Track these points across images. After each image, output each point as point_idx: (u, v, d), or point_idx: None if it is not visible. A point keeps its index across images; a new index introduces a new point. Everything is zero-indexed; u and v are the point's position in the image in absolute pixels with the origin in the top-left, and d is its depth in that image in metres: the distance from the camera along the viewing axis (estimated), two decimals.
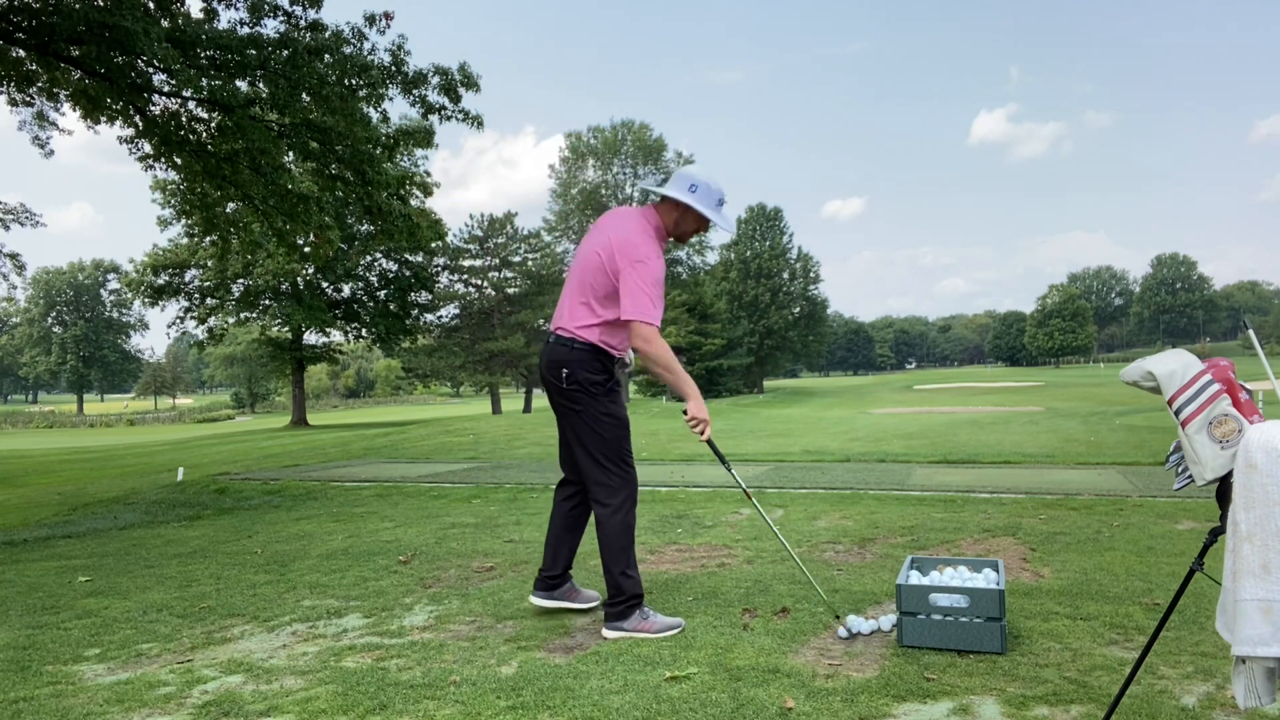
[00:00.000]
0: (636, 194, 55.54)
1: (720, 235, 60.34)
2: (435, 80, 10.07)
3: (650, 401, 43.74)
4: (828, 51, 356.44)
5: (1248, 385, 1.96)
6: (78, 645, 3.40)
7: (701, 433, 3.31)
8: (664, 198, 3.38)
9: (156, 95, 9.46)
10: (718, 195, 3.37)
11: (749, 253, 66.04)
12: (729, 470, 3.57)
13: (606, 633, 3.29)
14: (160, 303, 33.17)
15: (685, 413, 3.31)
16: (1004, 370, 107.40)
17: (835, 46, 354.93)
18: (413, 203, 14.74)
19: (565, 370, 3.31)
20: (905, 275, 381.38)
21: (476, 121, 10.50)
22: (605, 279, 3.25)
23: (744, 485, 3.64)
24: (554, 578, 3.63)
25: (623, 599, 3.30)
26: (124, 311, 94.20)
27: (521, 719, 2.50)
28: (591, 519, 3.55)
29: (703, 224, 3.38)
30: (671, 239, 3.44)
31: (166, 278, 32.94)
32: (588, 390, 3.31)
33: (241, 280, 33.36)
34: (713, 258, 61.27)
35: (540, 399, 50.75)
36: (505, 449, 13.40)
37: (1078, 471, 7.79)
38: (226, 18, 9.50)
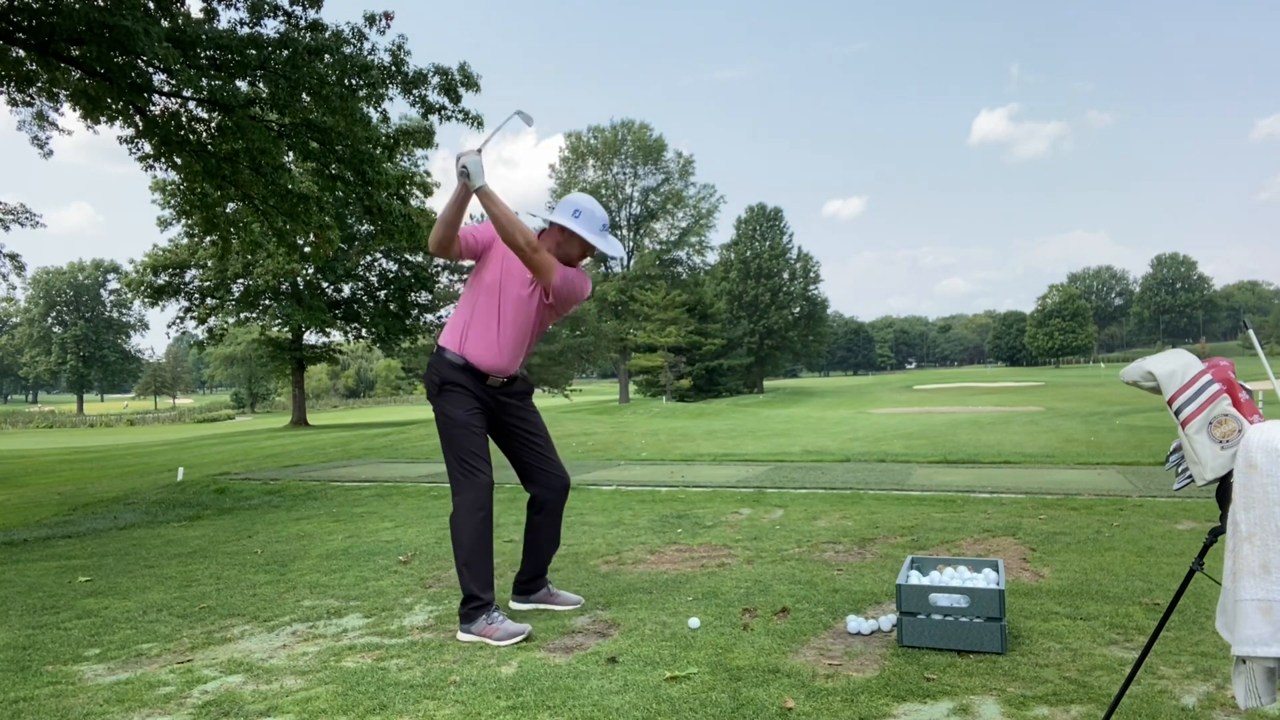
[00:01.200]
0: (636, 194, 55.52)
1: (718, 237, 60.30)
2: (435, 80, 10.07)
3: (650, 402, 43.74)
4: (828, 50, 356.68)
5: (1248, 385, 1.96)
6: (78, 645, 3.40)
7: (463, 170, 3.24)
8: (549, 224, 3.50)
9: (156, 95, 9.45)
10: (601, 221, 3.47)
11: (749, 253, 66.06)
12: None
13: (459, 635, 3.33)
14: (160, 303, 33.14)
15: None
16: (1004, 370, 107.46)
17: (836, 45, 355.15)
18: (413, 203, 14.71)
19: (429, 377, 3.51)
20: (905, 275, 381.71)
21: (476, 122, 10.49)
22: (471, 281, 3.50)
23: None
24: (524, 582, 3.74)
25: (473, 603, 3.32)
26: (124, 311, 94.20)
27: (521, 719, 2.50)
28: (551, 521, 3.68)
29: (587, 248, 3.47)
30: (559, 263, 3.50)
31: (166, 278, 32.92)
32: (435, 394, 3.48)
33: (241, 280, 33.33)
34: (713, 258, 61.36)
35: (540, 399, 50.74)
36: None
37: (1078, 471, 7.79)
38: (226, 18, 9.50)
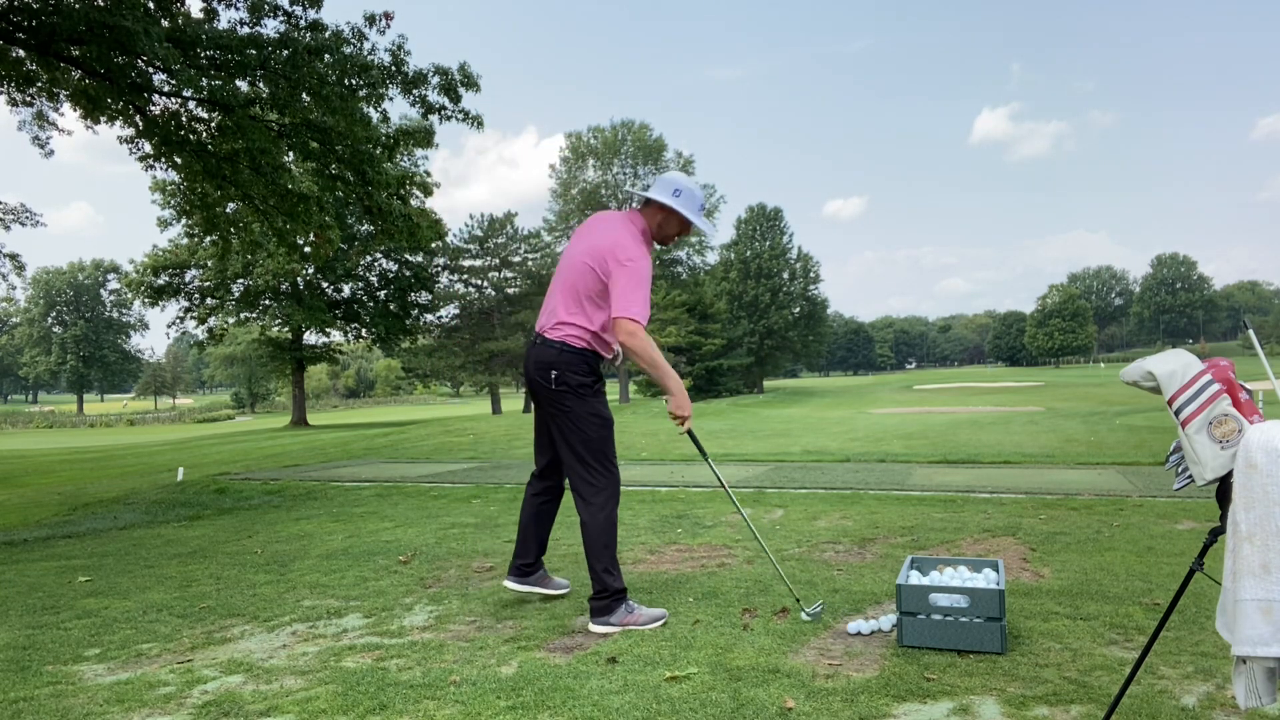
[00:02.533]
0: (636, 194, 55.42)
1: (718, 236, 60.39)
2: (435, 80, 10.07)
3: (651, 402, 43.72)
4: (829, 49, 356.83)
5: (1248, 385, 1.96)
6: (78, 645, 3.40)
7: (682, 424, 3.45)
8: (648, 201, 3.49)
9: (156, 95, 9.46)
10: (699, 201, 3.50)
11: (749, 253, 66.04)
12: (709, 463, 3.70)
13: (593, 628, 3.35)
14: (160, 303, 33.17)
15: (668, 403, 3.45)
16: (1004, 370, 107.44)
17: (837, 44, 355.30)
18: (413, 203, 14.71)
19: (554, 372, 3.38)
20: (905, 275, 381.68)
21: (476, 121, 10.50)
22: (595, 281, 3.33)
23: (724, 482, 3.76)
24: (527, 565, 3.78)
25: (607, 594, 3.37)
26: (124, 311, 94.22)
27: (521, 719, 2.50)
28: (561, 512, 3.76)
29: (685, 227, 3.49)
30: (655, 242, 3.53)
31: (166, 278, 32.95)
32: (575, 391, 3.39)
33: (241, 280, 33.36)
34: (713, 258, 61.32)
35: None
36: (505, 449, 13.41)
37: (1078, 471, 7.79)
38: (226, 18, 9.50)
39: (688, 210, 3.43)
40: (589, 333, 3.39)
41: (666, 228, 3.48)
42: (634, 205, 3.62)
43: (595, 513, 3.41)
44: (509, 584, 3.80)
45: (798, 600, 3.52)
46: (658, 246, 3.55)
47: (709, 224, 3.54)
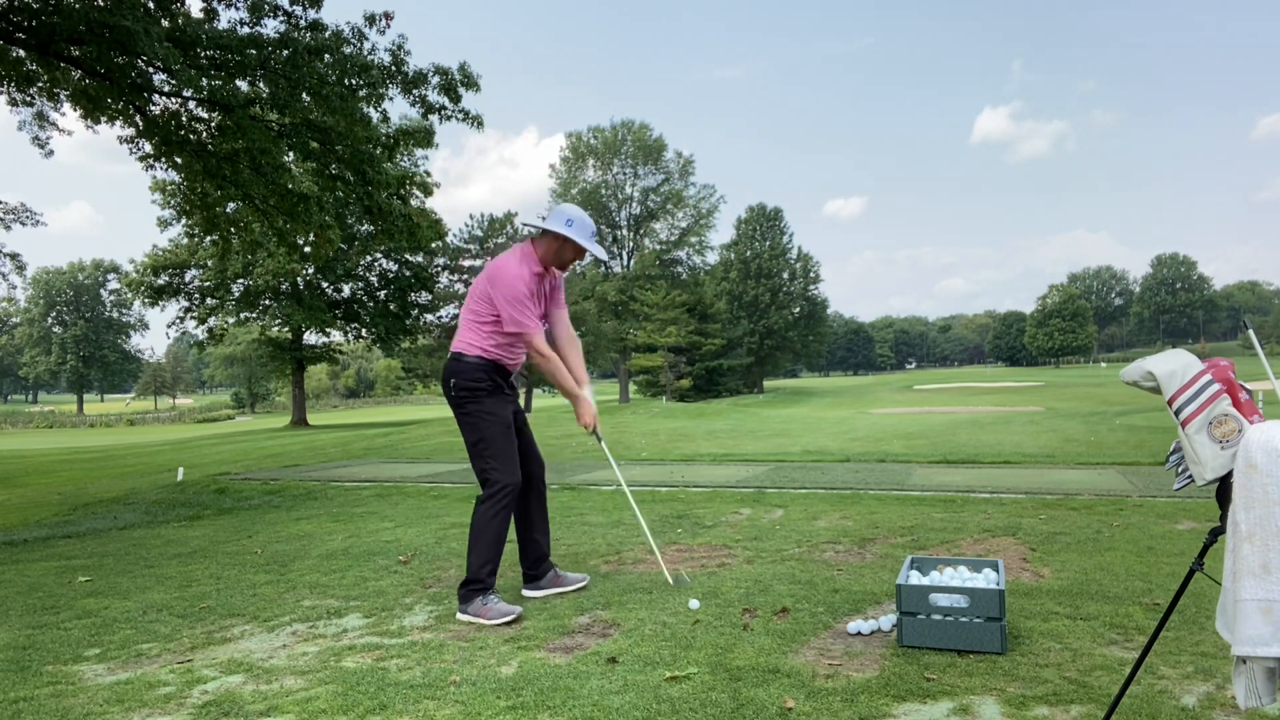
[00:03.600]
0: (636, 194, 55.58)
1: (718, 237, 60.36)
2: (435, 80, 10.06)
3: (650, 402, 43.73)
4: (830, 48, 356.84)
5: (1248, 385, 1.96)
6: (78, 645, 3.40)
7: (588, 427, 3.88)
8: (543, 231, 3.86)
9: (157, 95, 9.45)
10: (590, 228, 3.88)
11: (749, 253, 66.05)
12: (612, 463, 4.25)
13: (459, 615, 3.59)
14: (160, 303, 33.15)
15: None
16: (1004, 370, 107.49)
17: (838, 43, 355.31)
18: (413, 202, 14.72)
19: (453, 380, 3.78)
20: (906, 275, 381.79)
21: (476, 121, 10.49)
22: (484, 305, 3.76)
23: (624, 483, 4.29)
24: (533, 570, 3.99)
25: (472, 584, 3.60)
26: (124, 311, 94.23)
27: (521, 719, 2.50)
28: (537, 506, 3.99)
29: (579, 252, 3.85)
30: (554, 266, 3.89)
31: (166, 278, 32.93)
32: (472, 393, 3.75)
33: (241, 280, 33.34)
34: (713, 258, 61.37)
35: (540, 399, 50.77)
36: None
37: (1078, 471, 7.79)
38: (226, 17, 9.50)
39: (580, 237, 3.79)
40: (480, 346, 3.77)
41: (563, 254, 3.85)
42: (531, 235, 4.00)
43: (486, 509, 3.69)
44: (526, 593, 3.97)
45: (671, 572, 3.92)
46: (559, 272, 3.92)
47: (601, 249, 4.01)
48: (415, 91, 10.06)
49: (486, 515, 3.67)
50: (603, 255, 4.20)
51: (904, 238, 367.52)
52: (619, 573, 4.32)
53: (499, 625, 3.46)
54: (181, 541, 6.00)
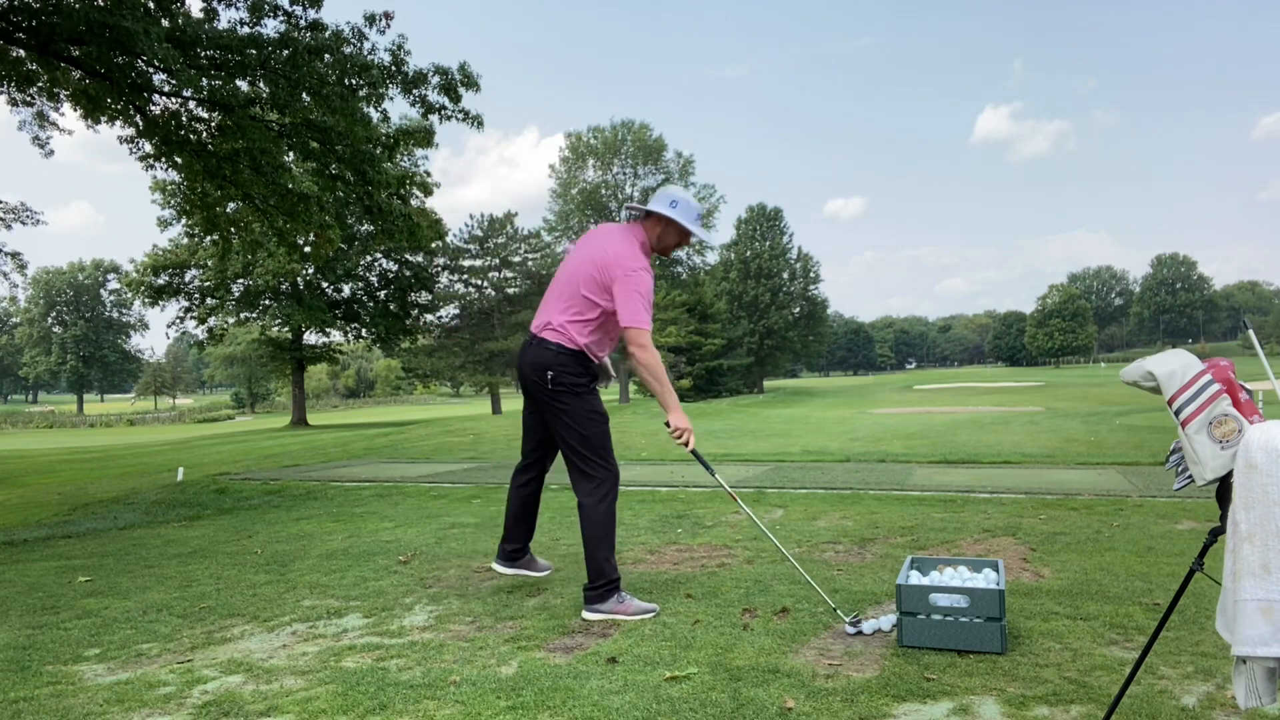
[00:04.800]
0: (636, 194, 55.62)
1: (718, 237, 60.45)
2: (435, 80, 10.06)
3: (650, 402, 43.72)
4: (831, 47, 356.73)
5: (1248, 385, 1.96)
6: (78, 645, 3.40)
7: (686, 443, 3.54)
8: (648, 213, 3.65)
9: (157, 95, 9.45)
10: (696, 211, 3.68)
11: (749, 253, 66.04)
12: (714, 476, 3.73)
13: (586, 614, 3.51)
14: (160, 303, 33.17)
15: (668, 424, 3.55)
16: (1004, 370, 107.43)
17: (839, 42, 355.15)
18: (413, 202, 14.73)
19: (550, 373, 3.52)
20: (906, 275, 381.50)
21: (476, 121, 10.50)
22: (596, 289, 3.49)
23: (731, 491, 3.82)
24: (516, 550, 3.96)
25: (602, 582, 3.52)
26: (124, 311, 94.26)
27: (521, 719, 2.50)
28: (560, 511, 3.96)
29: (684, 237, 3.66)
30: (655, 253, 3.68)
31: (166, 278, 32.94)
32: (572, 390, 3.54)
33: (241, 280, 33.35)
34: (713, 258, 61.31)
35: None
36: (505, 449, 13.40)
37: (1078, 471, 7.79)
38: (226, 17, 9.50)
39: (685, 220, 3.58)
40: (585, 337, 3.53)
41: (666, 238, 3.64)
42: (630, 218, 3.77)
43: (596, 505, 3.55)
44: (497, 566, 3.99)
45: (835, 609, 3.41)
46: (658, 259, 3.69)
47: (707, 233, 3.71)
48: (415, 91, 10.06)
49: (601, 511, 3.54)
50: (710, 239, 3.90)
51: (904, 238, 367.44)
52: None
53: (637, 619, 3.43)
54: (181, 541, 6.00)
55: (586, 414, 3.55)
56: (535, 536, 4.20)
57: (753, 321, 64.30)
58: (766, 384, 71.42)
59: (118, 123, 9.72)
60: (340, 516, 6.82)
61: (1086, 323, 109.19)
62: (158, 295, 32.83)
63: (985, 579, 3.20)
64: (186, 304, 34.14)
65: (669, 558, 4.65)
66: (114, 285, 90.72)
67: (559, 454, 3.90)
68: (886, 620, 3.22)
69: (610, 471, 3.60)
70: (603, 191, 52.40)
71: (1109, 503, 5.90)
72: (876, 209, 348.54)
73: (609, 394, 59.47)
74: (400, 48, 9.79)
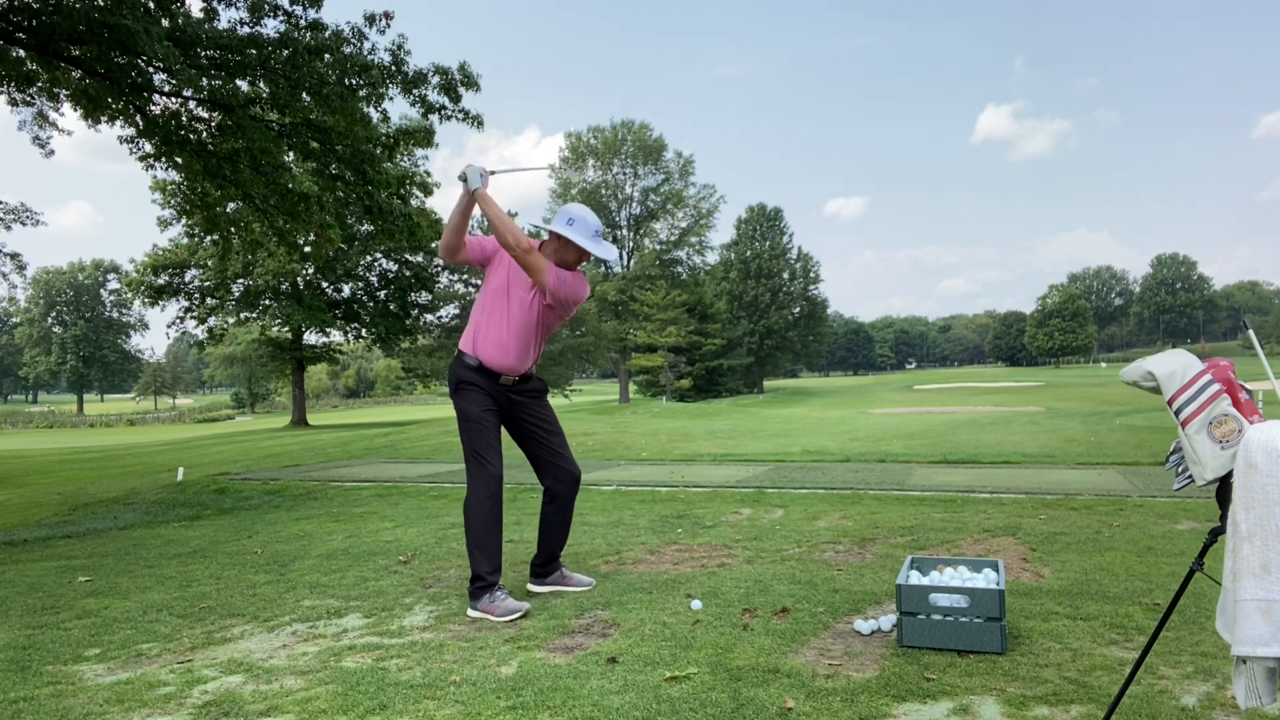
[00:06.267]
0: (636, 194, 55.59)
1: (718, 237, 60.37)
2: (435, 80, 10.05)
3: (650, 402, 43.73)
4: (832, 47, 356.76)
5: (1248, 385, 1.96)
6: (78, 645, 3.40)
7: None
8: (549, 233, 3.77)
9: (157, 95, 9.45)
10: (594, 227, 3.76)
11: (749, 253, 66.08)
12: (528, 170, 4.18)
13: (469, 612, 3.61)
14: (160, 303, 33.15)
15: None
16: (1004, 370, 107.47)
17: (839, 42, 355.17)
18: (413, 202, 14.70)
19: (450, 376, 3.81)
20: (906, 275, 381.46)
21: (476, 121, 10.49)
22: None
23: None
24: (539, 565, 4.01)
25: (477, 581, 3.63)
26: (124, 311, 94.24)
27: (521, 719, 2.50)
28: (561, 511, 3.99)
29: (582, 254, 3.75)
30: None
31: (166, 278, 32.92)
32: (455, 391, 3.77)
33: (241, 280, 33.34)
34: (713, 258, 61.37)
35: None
36: (504, 448, 13.38)
37: (1078, 471, 7.79)
38: (226, 17, 9.49)
39: (581, 238, 3.67)
40: (470, 338, 3.74)
41: (564, 254, 3.73)
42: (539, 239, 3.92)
43: (469, 501, 3.70)
44: (530, 587, 4.02)
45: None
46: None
47: (607, 248, 3.81)
48: (415, 91, 10.06)
49: (470, 511, 3.71)
50: (610, 256, 3.89)
51: (904, 238, 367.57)
52: (619, 573, 4.32)
53: (506, 621, 3.48)
54: (181, 541, 6.00)
55: (459, 414, 3.75)
56: (505, 536, 4.28)
57: (753, 321, 64.32)
58: (766, 384, 71.42)
59: (118, 123, 9.71)
60: (340, 516, 6.82)
61: (1086, 323, 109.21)
62: (158, 295, 32.81)
63: (985, 579, 3.20)
64: (186, 304, 34.12)
65: (669, 558, 4.65)
66: (114, 285, 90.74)
67: (559, 456, 3.97)
68: (886, 620, 3.22)
69: (483, 470, 3.70)
70: (603, 191, 52.38)
71: (1109, 503, 5.90)
72: (877, 209, 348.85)
73: (609, 394, 59.40)
74: (400, 47, 9.79)
